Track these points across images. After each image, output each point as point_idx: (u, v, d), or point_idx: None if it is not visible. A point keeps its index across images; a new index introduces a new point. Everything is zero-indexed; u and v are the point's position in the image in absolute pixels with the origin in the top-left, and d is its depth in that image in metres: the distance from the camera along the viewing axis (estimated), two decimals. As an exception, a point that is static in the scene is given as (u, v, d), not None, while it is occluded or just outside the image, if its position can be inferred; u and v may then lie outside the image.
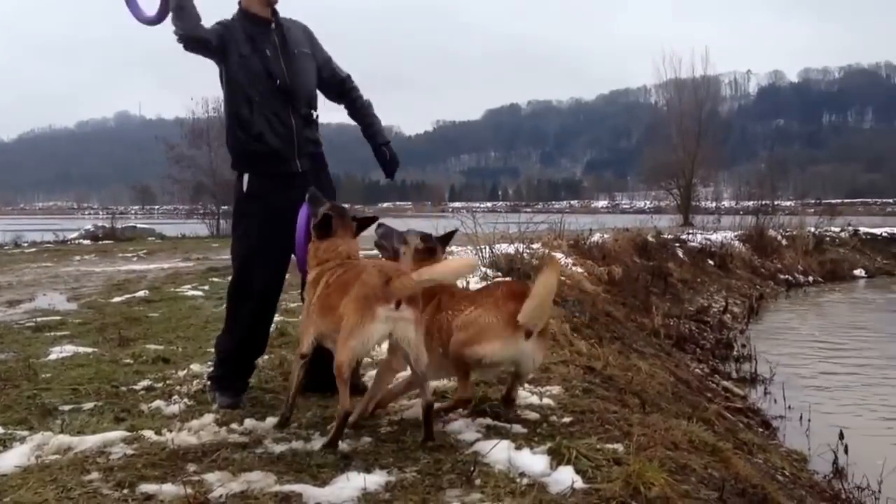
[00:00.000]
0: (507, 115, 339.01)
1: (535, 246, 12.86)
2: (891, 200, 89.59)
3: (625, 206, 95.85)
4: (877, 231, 31.03)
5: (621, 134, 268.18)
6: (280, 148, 5.02)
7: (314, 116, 5.23)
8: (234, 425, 4.59)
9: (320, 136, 5.32)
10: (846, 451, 6.55)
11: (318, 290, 4.47)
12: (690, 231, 26.27)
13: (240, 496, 3.45)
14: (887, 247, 29.76)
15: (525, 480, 3.73)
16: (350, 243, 4.80)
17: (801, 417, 8.14)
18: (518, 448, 4.12)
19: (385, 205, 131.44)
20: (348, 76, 5.44)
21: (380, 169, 5.52)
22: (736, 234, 24.98)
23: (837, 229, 30.00)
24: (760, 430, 7.49)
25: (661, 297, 15.47)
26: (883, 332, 14.61)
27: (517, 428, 4.56)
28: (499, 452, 4.03)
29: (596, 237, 17.12)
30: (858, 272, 26.18)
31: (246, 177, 5.07)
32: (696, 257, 20.97)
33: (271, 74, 4.96)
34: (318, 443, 4.24)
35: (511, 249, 12.15)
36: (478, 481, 3.70)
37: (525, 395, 5.40)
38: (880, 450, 6.76)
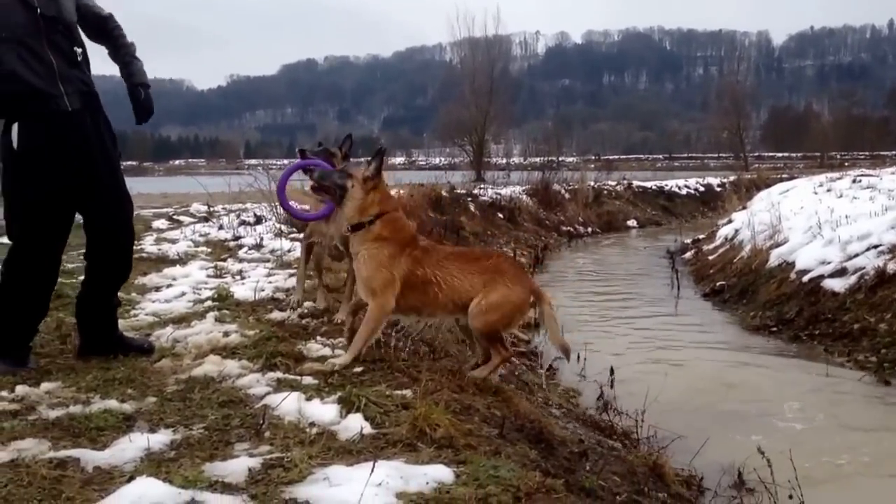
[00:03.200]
0: (305, 71, 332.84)
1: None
2: (660, 156, 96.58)
3: (421, 163, 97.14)
4: (647, 185, 33.56)
5: (417, 91, 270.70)
6: (39, 85, 4.61)
7: (79, 55, 4.86)
8: (3, 392, 4.34)
9: (91, 79, 4.98)
10: (612, 386, 7.11)
11: (411, 263, 5.06)
12: (482, 186, 27.12)
13: (9, 465, 3.29)
14: (656, 199, 32.31)
15: (315, 430, 3.81)
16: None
17: (578, 357, 8.73)
18: (309, 399, 4.19)
19: (177, 162, 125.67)
20: (110, 15, 5.13)
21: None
22: (524, 188, 26.02)
23: (614, 183, 32.02)
24: (542, 371, 7.95)
25: (453, 249, 15.92)
26: (650, 276, 15.86)
27: (308, 380, 4.62)
28: (289, 404, 4.08)
29: (392, 193, 17.32)
30: (631, 223, 28.22)
31: (15, 127, 4.66)
32: (486, 211, 21.72)
33: (25, 4, 4.55)
34: (97, 406, 4.10)
35: (306, 206, 12.08)
36: (267, 433, 3.74)
37: (317, 347, 5.47)
38: (645, 382, 7.38)
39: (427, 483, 3.16)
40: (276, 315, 6.60)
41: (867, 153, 75.88)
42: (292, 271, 8.75)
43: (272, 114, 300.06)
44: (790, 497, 4.39)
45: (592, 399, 7.20)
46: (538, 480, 3.26)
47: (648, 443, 5.90)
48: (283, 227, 13.81)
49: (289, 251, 11.08)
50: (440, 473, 3.26)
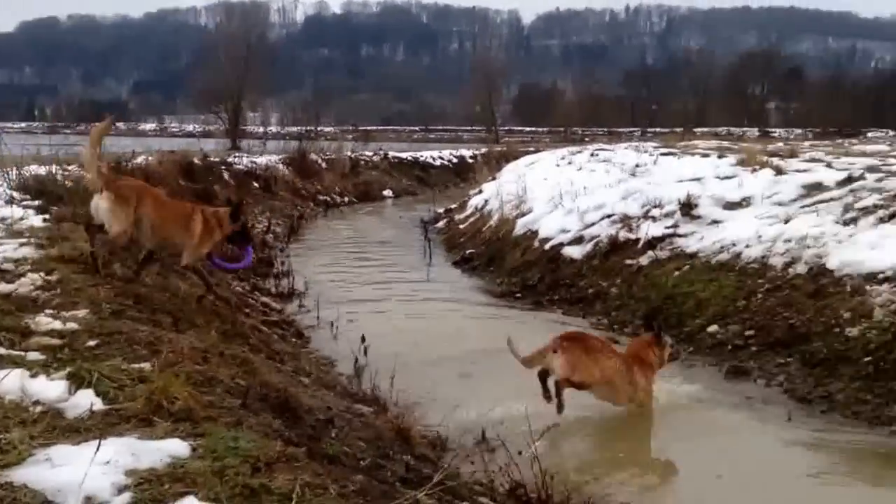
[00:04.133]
0: (45, 29, 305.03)
1: (71, 168, 11.93)
2: (417, 128, 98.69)
3: (174, 130, 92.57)
4: (403, 155, 34.26)
5: (170, 55, 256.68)
6: None
7: None
8: None
9: None
10: (366, 353, 7.20)
11: None
12: (238, 155, 26.34)
13: None
14: (411, 170, 33.08)
15: (39, 409, 3.53)
16: None
17: (332, 325, 8.75)
18: (34, 376, 3.87)
19: None
20: None
21: None
22: (280, 157, 25.61)
23: (371, 154, 32.34)
24: (294, 339, 7.89)
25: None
26: (405, 245, 16.19)
27: (34, 356, 4.28)
28: (10, 382, 3.74)
29: (140, 159, 16.40)
30: (387, 193, 28.73)
31: None
32: (241, 179, 21.15)
33: None
34: None
35: (43, 171, 11.19)
36: (-14, 416, 3.40)
37: (47, 320, 5.07)
38: (397, 347, 7.54)
39: (161, 459, 3.02)
40: (3, 287, 6.03)
41: (606, 129, 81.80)
42: (23, 240, 8.03)
43: (8, 73, 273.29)
44: (520, 453, 4.59)
45: (347, 367, 7.24)
46: (279, 450, 3.21)
47: (398, 407, 6.02)
48: (15, 195, 12.66)
49: (21, 219, 10.17)
50: (176, 448, 3.13)
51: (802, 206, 10.24)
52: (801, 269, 8.54)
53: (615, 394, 6.25)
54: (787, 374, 7.16)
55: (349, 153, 29.85)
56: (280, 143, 31.16)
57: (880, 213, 9.03)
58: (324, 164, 27.03)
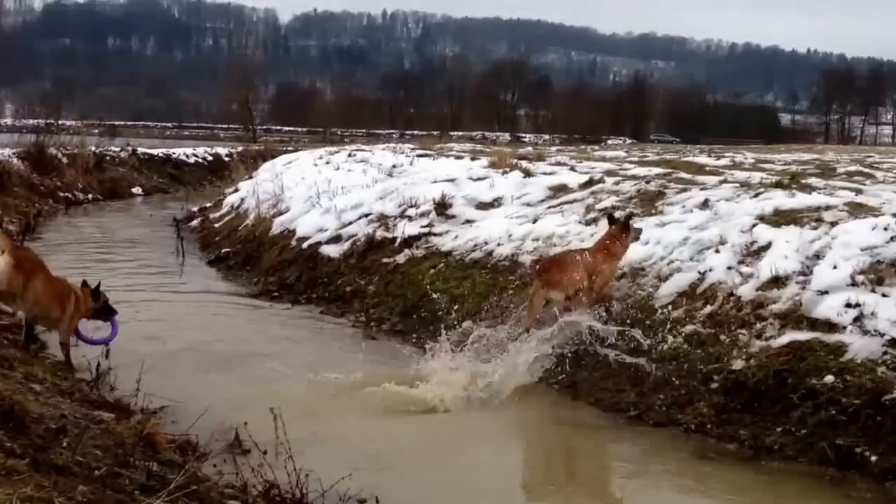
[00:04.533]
0: None
1: None
2: (170, 125, 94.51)
3: None
4: (154, 152, 32.60)
5: None
6: None
7: None
8: None
9: None
10: (108, 357, 6.72)
11: None
12: (-40, 147, 23.84)
13: None
14: (163, 167, 31.57)
15: None
16: None
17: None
18: None
19: None
20: None
21: None
22: (15, 151, 23.50)
23: (118, 149, 30.52)
24: (28, 343, 7.21)
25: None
26: (156, 244, 15.39)
27: None
28: None
29: None
30: (136, 190, 27.26)
31: None
32: (-35, 174, 19.19)
33: None
34: None
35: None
36: None
37: None
38: (145, 350, 7.12)
39: None
40: None
41: (364, 130, 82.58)
42: None
43: None
44: (265, 452, 4.43)
45: (89, 372, 6.71)
46: (-3, 462, 2.87)
47: (143, 412, 5.66)
48: None
49: None
50: None
51: (549, 207, 10.83)
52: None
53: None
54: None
55: (94, 148, 27.90)
56: (15, 136, 28.55)
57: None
58: (65, 160, 25.07)
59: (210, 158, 34.45)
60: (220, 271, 12.97)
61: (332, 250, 11.78)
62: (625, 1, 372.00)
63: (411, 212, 11.73)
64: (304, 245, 12.25)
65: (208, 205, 19.69)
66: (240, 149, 38.16)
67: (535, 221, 10.23)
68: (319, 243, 12.08)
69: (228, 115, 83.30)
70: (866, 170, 12.89)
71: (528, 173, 12.70)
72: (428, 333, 8.27)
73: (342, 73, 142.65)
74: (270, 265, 12.38)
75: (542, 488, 5.68)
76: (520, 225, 10.24)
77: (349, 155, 18.45)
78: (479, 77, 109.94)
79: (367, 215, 12.26)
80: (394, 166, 15.16)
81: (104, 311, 7.51)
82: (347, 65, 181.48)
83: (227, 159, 33.74)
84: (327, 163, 17.72)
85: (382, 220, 11.91)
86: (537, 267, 7.75)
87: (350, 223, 12.23)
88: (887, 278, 6.45)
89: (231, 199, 17.67)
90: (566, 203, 10.78)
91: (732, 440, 5.82)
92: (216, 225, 16.57)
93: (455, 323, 8.20)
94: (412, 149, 19.03)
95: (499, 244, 9.90)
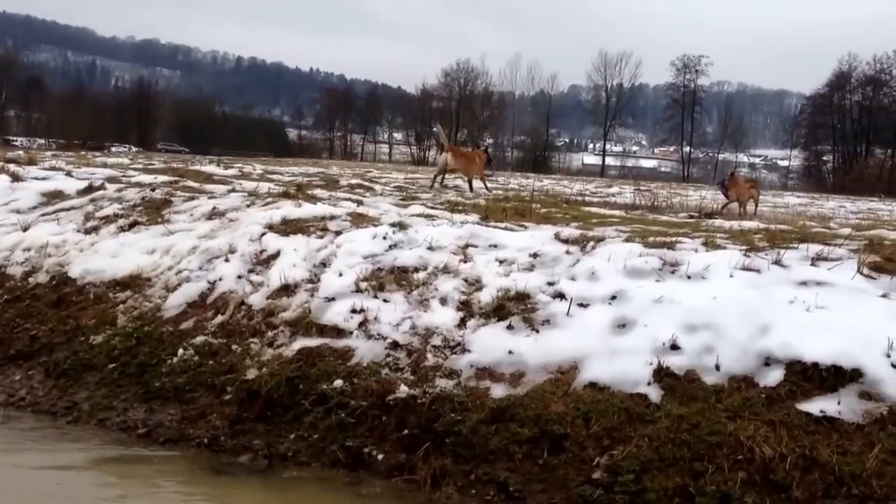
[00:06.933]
0: None
1: None
2: None
3: None
4: None
5: None
6: None
7: None
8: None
9: None
10: None
11: None
12: None
13: None
14: None
15: None
16: None
17: None
18: None
19: None
20: None
21: None
22: None
23: None
24: None
25: None
26: None
27: None
28: None
29: None
30: None
31: None
32: None
33: None
34: None
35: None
36: None
37: None
38: None
39: None
40: None
41: None
42: None
43: None
44: None
45: None
46: None
47: None
48: None
49: None
50: None
51: (43, 215, 9.88)
52: (42, 278, 8.16)
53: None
54: (30, 388, 6.70)
55: None
56: None
57: (121, 221, 9.23)
58: None
59: None
60: None
61: None
62: (123, 4, 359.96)
63: None
64: None
65: None
66: None
67: (25, 230, 9.23)
68: None
69: None
70: (366, 183, 13.98)
71: (17, 178, 11.58)
72: None
73: None
74: None
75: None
76: (8, 234, 9.15)
77: None
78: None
79: None
80: None
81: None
82: None
83: None
84: None
85: None
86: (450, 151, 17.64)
87: None
88: (387, 284, 6.92)
89: None
90: (63, 210, 9.93)
91: (247, 450, 5.72)
92: None
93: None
94: None
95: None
